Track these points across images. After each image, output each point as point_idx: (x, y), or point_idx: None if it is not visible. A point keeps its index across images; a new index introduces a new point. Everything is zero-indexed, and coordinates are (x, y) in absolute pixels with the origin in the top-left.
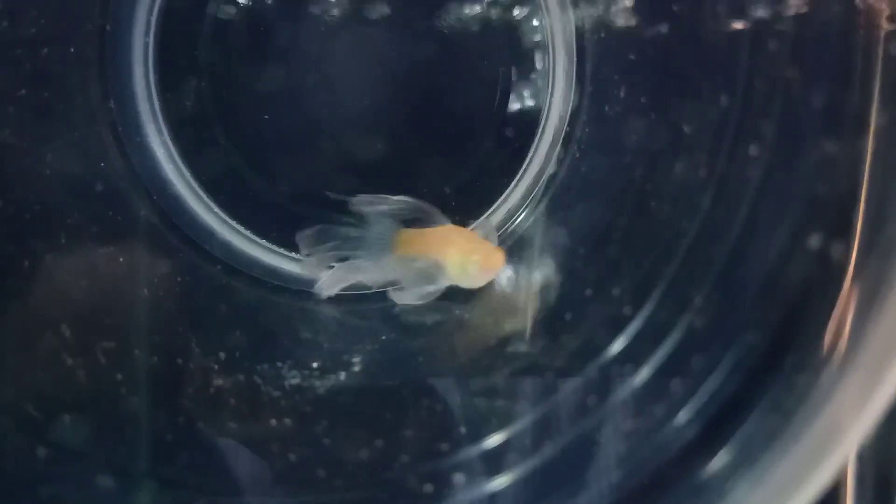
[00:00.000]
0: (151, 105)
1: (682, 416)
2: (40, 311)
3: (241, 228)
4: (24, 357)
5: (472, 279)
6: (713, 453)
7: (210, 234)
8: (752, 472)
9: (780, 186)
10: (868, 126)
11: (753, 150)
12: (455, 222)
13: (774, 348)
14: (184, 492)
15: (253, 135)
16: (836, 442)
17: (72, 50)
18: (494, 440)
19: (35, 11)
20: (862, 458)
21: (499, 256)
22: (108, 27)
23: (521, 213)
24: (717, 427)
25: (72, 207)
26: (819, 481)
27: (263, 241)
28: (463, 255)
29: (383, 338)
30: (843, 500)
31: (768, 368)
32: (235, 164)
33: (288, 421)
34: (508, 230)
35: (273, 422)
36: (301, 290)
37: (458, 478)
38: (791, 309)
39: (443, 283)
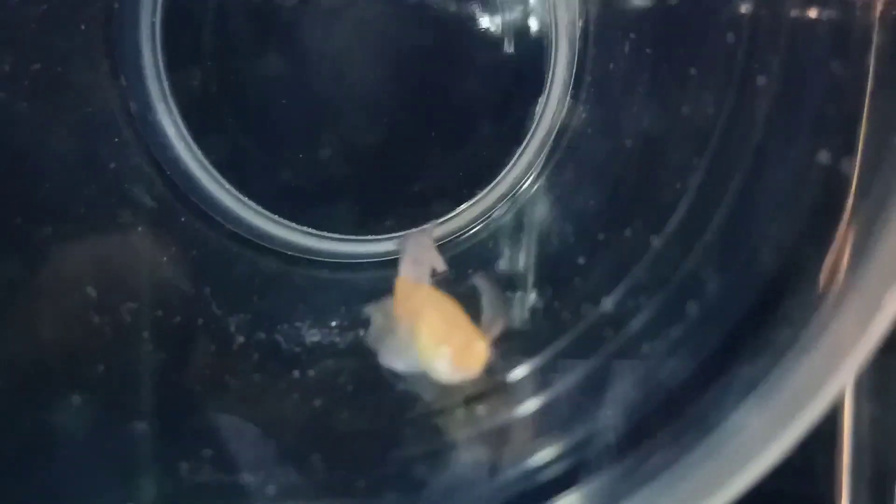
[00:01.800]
0: (160, 83)
1: (697, 339)
2: (66, 274)
3: (252, 203)
4: (55, 315)
5: (441, 373)
6: (734, 367)
7: (221, 207)
8: (759, 392)
9: (788, 113)
10: (870, 47)
11: (761, 81)
12: (461, 194)
13: (787, 270)
14: (209, 438)
15: (259, 113)
16: (844, 350)
17: (82, 27)
18: (515, 375)
19: None
20: (857, 447)
21: (479, 351)
22: (115, 6)
23: (528, 178)
24: (733, 345)
25: (89, 181)
26: (821, 401)
27: (274, 216)
28: (433, 341)
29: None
30: (839, 490)
31: (781, 290)
32: (242, 141)
33: (311, 372)
34: (517, 193)
35: (296, 373)
36: (313, 259)
37: (480, 410)
38: (804, 227)
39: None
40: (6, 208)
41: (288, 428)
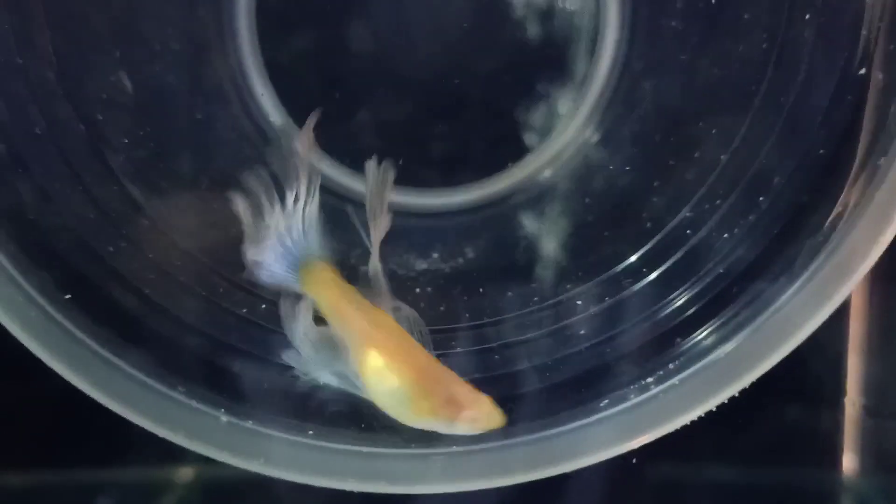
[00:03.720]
0: (257, 60)
1: (765, 224)
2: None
3: (340, 163)
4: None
5: (413, 417)
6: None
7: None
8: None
9: (829, 37)
10: None
11: (808, 15)
12: (531, 143)
13: (835, 159)
14: None
15: (341, 83)
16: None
17: (200, 14)
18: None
19: None
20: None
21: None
22: None
23: (592, 122)
24: (794, 226)
25: (218, 143)
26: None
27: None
28: (421, 394)
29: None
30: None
31: (832, 177)
32: (328, 107)
33: (429, 289)
34: (584, 138)
35: (417, 290)
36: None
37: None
38: (846, 126)
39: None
40: (169, 155)
41: None
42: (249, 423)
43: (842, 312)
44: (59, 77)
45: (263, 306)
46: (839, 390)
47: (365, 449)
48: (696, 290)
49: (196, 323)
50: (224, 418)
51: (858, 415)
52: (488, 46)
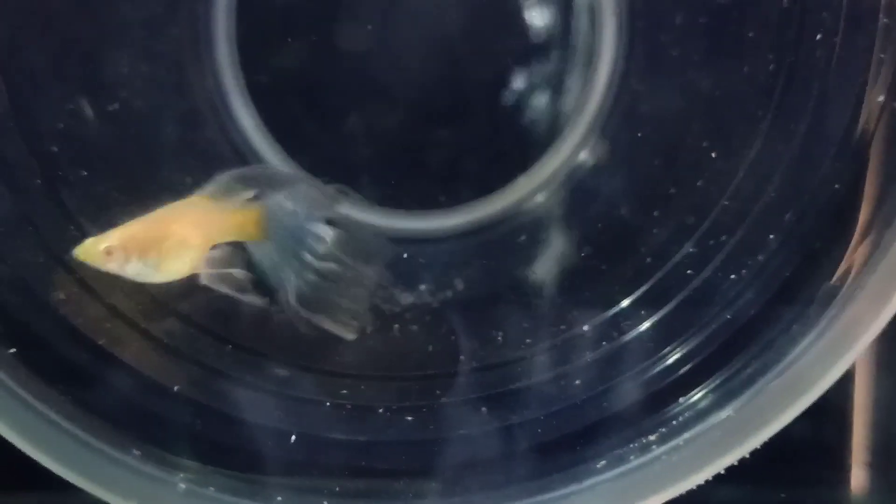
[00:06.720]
0: (237, 81)
1: (776, 264)
2: None
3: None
4: None
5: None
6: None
7: None
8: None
9: (843, 59)
10: None
11: (819, 35)
12: (521, 165)
13: (850, 198)
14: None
15: (324, 103)
16: None
17: (173, 32)
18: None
19: None
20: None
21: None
22: (199, 11)
23: (589, 143)
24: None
25: (190, 166)
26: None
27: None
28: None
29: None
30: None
31: (846, 216)
32: (311, 129)
33: (414, 327)
34: (578, 161)
35: (396, 327)
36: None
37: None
38: (864, 158)
39: None
40: (135, 189)
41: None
42: (210, 491)
43: None
44: (8, 106)
45: (230, 347)
46: (847, 404)
47: None
48: (700, 339)
49: (158, 377)
50: (182, 485)
51: (867, 429)
52: (480, 65)
